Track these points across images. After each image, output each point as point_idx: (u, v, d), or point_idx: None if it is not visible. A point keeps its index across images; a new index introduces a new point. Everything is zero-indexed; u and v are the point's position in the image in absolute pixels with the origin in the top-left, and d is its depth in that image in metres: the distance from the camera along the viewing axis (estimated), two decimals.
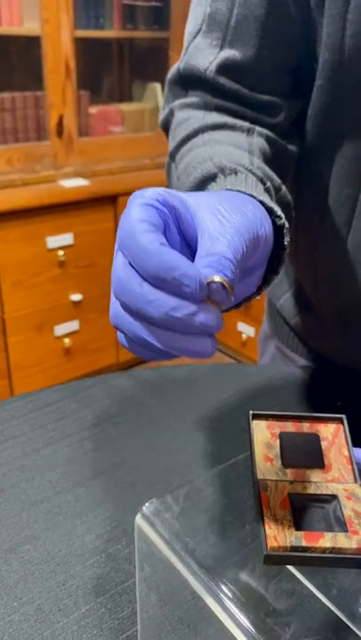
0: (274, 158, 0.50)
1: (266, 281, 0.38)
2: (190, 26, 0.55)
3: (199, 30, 0.54)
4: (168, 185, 0.55)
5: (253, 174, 0.41)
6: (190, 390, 0.68)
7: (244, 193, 0.36)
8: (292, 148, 0.54)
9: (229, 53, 0.52)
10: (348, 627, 0.29)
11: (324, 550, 0.29)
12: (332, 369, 0.69)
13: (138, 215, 0.28)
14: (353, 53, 0.47)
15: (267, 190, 0.41)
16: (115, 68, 2.07)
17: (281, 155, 0.52)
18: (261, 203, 0.35)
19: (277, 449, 0.35)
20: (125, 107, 2.01)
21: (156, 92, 2.01)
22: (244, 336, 2.12)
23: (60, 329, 1.87)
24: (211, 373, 0.72)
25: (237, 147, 0.47)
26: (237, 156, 0.43)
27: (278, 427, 0.37)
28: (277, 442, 0.36)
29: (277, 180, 0.45)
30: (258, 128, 0.51)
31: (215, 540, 0.32)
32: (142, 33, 1.91)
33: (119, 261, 0.29)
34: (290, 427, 0.37)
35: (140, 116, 2.01)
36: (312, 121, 0.54)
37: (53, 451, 0.59)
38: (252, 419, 0.37)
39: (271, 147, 0.51)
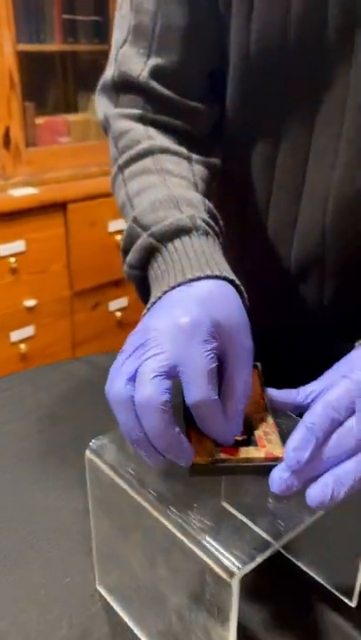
0: (210, 178, 0.58)
1: None
2: (117, 35, 0.61)
3: (125, 40, 0.60)
4: (111, 186, 0.62)
5: (213, 230, 0.49)
6: None
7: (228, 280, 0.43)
8: (216, 161, 0.62)
9: (157, 61, 0.58)
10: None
11: (239, 461, 0.37)
12: (263, 340, 0.77)
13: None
14: (257, 59, 0.55)
15: (220, 243, 0.49)
16: (59, 80, 2.12)
17: (213, 174, 0.60)
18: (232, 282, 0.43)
19: None
20: (71, 117, 2.06)
21: None
22: None
23: (16, 335, 1.90)
24: None
25: (185, 178, 0.54)
26: (195, 201, 0.50)
27: None
28: None
29: (220, 221, 0.52)
30: (194, 156, 0.58)
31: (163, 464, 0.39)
32: (84, 46, 1.97)
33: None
34: None
35: (85, 125, 2.07)
36: (228, 123, 0.61)
37: (12, 428, 0.64)
38: None
39: (206, 169, 0.58)
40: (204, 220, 0.48)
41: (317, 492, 0.34)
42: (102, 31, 1.96)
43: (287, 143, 0.58)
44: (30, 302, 1.90)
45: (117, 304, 2.18)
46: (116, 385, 0.37)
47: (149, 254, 0.48)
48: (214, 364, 0.36)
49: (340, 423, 0.37)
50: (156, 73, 0.59)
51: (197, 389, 0.35)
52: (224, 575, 0.31)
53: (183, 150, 0.58)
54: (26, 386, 0.73)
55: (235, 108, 0.60)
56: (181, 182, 0.54)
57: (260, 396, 0.42)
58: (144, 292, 0.50)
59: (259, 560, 0.31)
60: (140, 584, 0.41)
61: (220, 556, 0.31)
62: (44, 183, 1.90)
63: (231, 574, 0.30)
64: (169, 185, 0.53)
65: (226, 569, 0.31)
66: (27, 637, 0.41)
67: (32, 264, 1.86)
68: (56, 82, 2.11)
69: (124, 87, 0.61)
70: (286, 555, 0.48)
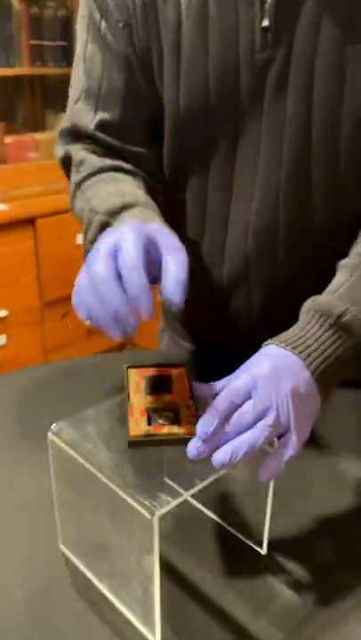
0: (151, 191, 0.70)
1: None
2: (72, 93, 0.76)
3: (79, 98, 0.74)
4: (71, 205, 0.74)
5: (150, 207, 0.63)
6: (102, 373, 0.86)
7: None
8: (159, 185, 0.75)
9: (103, 115, 0.72)
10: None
11: (164, 435, 0.49)
12: (205, 348, 0.89)
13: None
14: (185, 113, 0.68)
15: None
16: (27, 101, 2.23)
17: (154, 190, 0.72)
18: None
19: (143, 385, 0.54)
20: (39, 136, 2.17)
21: None
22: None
23: None
24: (119, 358, 0.90)
25: (134, 185, 0.68)
26: (139, 195, 0.65)
27: (145, 372, 0.56)
28: (143, 381, 0.55)
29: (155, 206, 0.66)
30: (140, 172, 0.73)
31: (102, 443, 0.50)
32: (51, 69, 2.08)
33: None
34: (151, 372, 0.56)
35: (52, 143, 2.18)
36: (166, 164, 0.74)
37: None
38: (127, 369, 0.56)
39: (148, 184, 0.72)
40: (145, 200, 0.62)
41: (220, 457, 0.46)
42: (67, 55, 2.08)
43: (214, 182, 0.71)
44: (2, 313, 1.99)
45: None
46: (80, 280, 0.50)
47: (102, 229, 0.61)
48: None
49: (240, 406, 0.49)
50: (102, 125, 0.73)
51: (127, 255, 0.47)
52: (148, 515, 0.42)
53: (131, 168, 0.72)
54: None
55: (170, 152, 0.73)
56: (130, 184, 0.68)
57: (187, 389, 0.54)
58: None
59: (173, 504, 0.43)
60: (93, 538, 0.52)
61: (147, 503, 0.43)
62: (14, 199, 2.00)
63: (152, 513, 0.42)
64: (118, 185, 0.67)
65: (150, 510, 0.42)
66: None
67: (3, 276, 1.96)
68: (24, 102, 2.21)
69: (78, 135, 0.74)
70: (209, 513, 0.60)
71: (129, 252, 0.47)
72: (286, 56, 0.63)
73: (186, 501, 0.53)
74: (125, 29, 0.69)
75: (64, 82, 2.07)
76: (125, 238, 0.48)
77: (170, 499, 0.44)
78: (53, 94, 2.23)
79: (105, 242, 0.50)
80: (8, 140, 2.05)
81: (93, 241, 0.62)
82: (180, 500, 0.44)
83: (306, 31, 0.61)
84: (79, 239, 2.14)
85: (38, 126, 2.25)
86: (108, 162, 0.72)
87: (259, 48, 0.63)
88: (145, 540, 0.44)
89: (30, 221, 1.96)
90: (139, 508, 0.43)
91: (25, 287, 2.04)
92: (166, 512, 0.43)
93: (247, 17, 0.62)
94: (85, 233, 0.66)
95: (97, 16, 0.70)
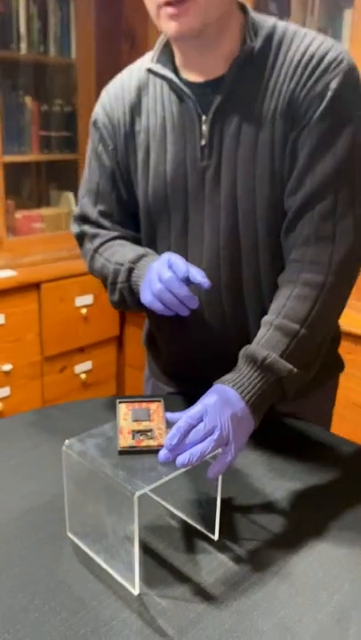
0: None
1: None
2: (81, 191, 1.06)
3: (85, 195, 1.04)
4: (90, 266, 1.04)
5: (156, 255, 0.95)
6: (92, 415, 1.09)
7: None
8: None
9: (100, 207, 1.03)
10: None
11: (143, 446, 0.71)
12: (185, 388, 1.12)
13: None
14: (152, 203, 0.97)
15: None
16: (35, 181, 2.53)
17: None
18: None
19: (130, 414, 0.77)
20: (45, 211, 2.46)
21: (70, 200, 2.49)
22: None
23: None
24: (107, 403, 1.13)
25: (137, 246, 0.99)
26: (146, 249, 0.97)
27: (131, 405, 0.79)
28: (130, 412, 0.78)
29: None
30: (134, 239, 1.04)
31: (101, 453, 0.72)
32: (56, 156, 2.40)
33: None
34: (136, 405, 0.79)
35: (57, 218, 2.47)
36: (142, 237, 1.03)
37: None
38: (118, 403, 0.79)
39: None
40: (151, 252, 0.95)
41: (180, 460, 0.69)
42: (71, 144, 2.40)
43: (175, 249, 0.99)
44: (7, 367, 2.22)
45: (82, 367, 2.51)
46: (154, 287, 0.82)
47: (130, 270, 0.92)
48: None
49: (195, 426, 0.72)
50: (100, 214, 1.03)
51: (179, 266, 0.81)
52: (130, 495, 0.64)
53: (130, 237, 1.03)
54: (9, 423, 1.06)
55: (144, 230, 1.02)
56: (134, 246, 1.00)
57: (161, 416, 0.77)
58: (129, 293, 0.94)
59: (147, 489, 0.65)
60: (93, 522, 0.73)
61: (130, 487, 0.65)
62: (21, 266, 2.26)
63: (133, 494, 0.64)
64: (128, 246, 0.99)
65: (132, 492, 0.64)
66: (14, 576, 0.73)
67: (9, 334, 2.20)
68: (32, 182, 2.52)
69: (86, 219, 1.05)
70: (176, 511, 0.81)
71: (179, 265, 0.81)
72: (217, 164, 0.91)
73: (161, 506, 0.76)
74: (113, 151, 1.00)
75: (67, 165, 2.41)
76: (173, 257, 0.82)
77: (145, 485, 0.66)
78: (58, 175, 2.54)
79: (160, 261, 0.84)
80: (18, 215, 2.33)
81: (125, 281, 0.94)
82: (152, 486, 0.66)
83: (229, 147, 0.89)
84: (78, 301, 2.40)
85: (45, 203, 2.55)
86: (113, 234, 1.03)
87: (199, 159, 0.92)
88: (129, 515, 0.66)
89: (36, 286, 2.22)
90: (125, 490, 0.65)
91: (28, 343, 2.27)
92: (142, 493, 0.65)
93: (191, 141, 0.92)
94: (113, 281, 0.96)
95: (97, 142, 1.01)
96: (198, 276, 0.80)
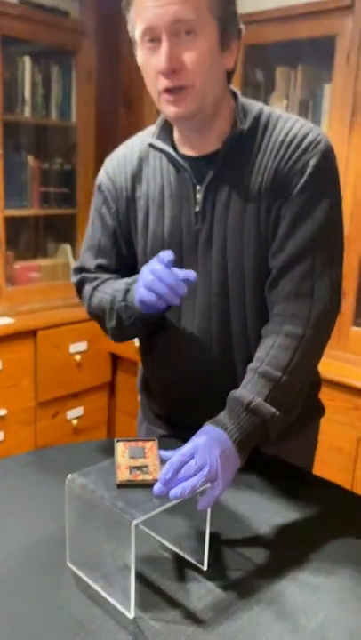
0: None
1: None
2: (83, 245, 1.17)
3: (86, 250, 1.15)
4: (89, 303, 1.13)
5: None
6: (87, 456, 1.16)
7: None
8: None
9: (99, 261, 1.13)
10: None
11: (138, 480, 0.79)
12: (176, 431, 1.20)
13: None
14: (149, 259, 1.05)
15: None
16: (34, 234, 2.66)
17: None
18: None
19: (127, 452, 0.85)
20: (43, 262, 2.58)
21: (67, 251, 2.61)
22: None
23: None
24: (101, 445, 1.20)
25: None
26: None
27: (128, 444, 0.87)
28: (127, 449, 0.86)
29: None
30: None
31: (101, 486, 0.80)
32: (55, 210, 2.53)
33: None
34: (132, 444, 0.87)
35: (54, 268, 2.59)
36: None
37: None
38: (117, 441, 0.87)
39: None
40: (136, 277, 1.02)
41: (173, 492, 0.76)
42: (70, 200, 2.54)
43: None
44: (1, 412, 2.27)
45: (74, 413, 2.57)
46: (146, 279, 0.92)
47: (127, 291, 1.01)
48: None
49: (186, 463, 0.80)
50: (99, 267, 1.13)
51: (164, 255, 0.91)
52: (129, 522, 0.72)
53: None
54: (8, 463, 1.12)
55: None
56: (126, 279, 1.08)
57: (155, 454, 0.85)
58: (125, 312, 1.02)
59: (143, 517, 0.72)
60: (93, 552, 0.80)
61: (128, 516, 0.72)
62: (19, 314, 2.35)
63: (131, 521, 0.71)
64: (122, 279, 1.08)
65: (130, 520, 0.72)
66: (18, 602, 0.79)
67: (5, 379, 2.26)
68: (31, 234, 2.64)
69: (86, 271, 1.14)
70: (168, 544, 0.88)
71: (166, 254, 0.91)
72: (210, 228, 1.02)
73: (155, 539, 0.83)
74: (115, 212, 1.11)
75: (65, 219, 2.54)
76: (162, 253, 0.92)
77: (142, 514, 0.73)
78: (56, 228, 2.67)
79: (151, 262, 0.93)
80: (17, 265, 2.44)
81: (122, 300, 1.02)
82: (148, 515, 0.73)
83: (220, 214, 1.01)
84: (72, 348, 2.48)
85: (42, 254, 2.67)
86: (111, 276, 1.12)
87: (194, 223, 1.03)
88: (127, 543, 0.73)
89: (32, 333, 2.31)
90: (123, 519, 0.72)
91: (23, 389, 2.34)
92: (139, 521, 0.72)
93: (187, 207, 1.03)
94: (111, 306, 1.04)
95: (100, 204, 1.12)
96: (189, 274, 0.91)
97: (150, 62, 0.93)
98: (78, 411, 2.58)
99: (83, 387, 2.56)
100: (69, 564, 0.83)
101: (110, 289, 1.06)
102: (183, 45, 0.90)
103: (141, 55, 0.95)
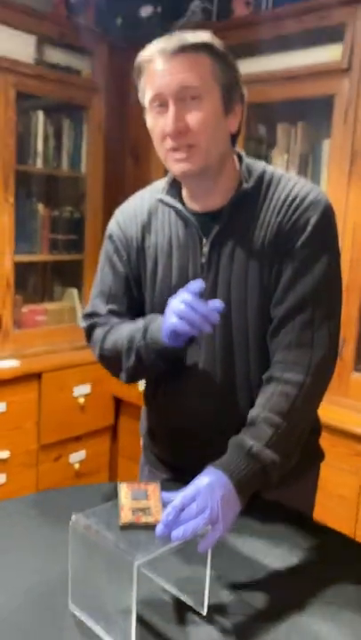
0: None
1: None
2: (93, 291, 1.21)
3: (97, 296, 1.19)
4: (100, 346, 1.15)
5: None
6: (89, 499, 1.17)
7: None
8: None
9: (110, 307, 1.17)
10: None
11: (141, 522, 0.81)
12: (178, 475, 1.21)
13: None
14: (157, 305, 1.11)
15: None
16: (42, 278, 2.73)
17: None
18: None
19: (130, 494, 0.87)
20: (49, 305, 2.63)
21: (74, 295, 2.67)
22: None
23: None
24: (103, 489, 1.21)
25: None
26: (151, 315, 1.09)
27: (131, 486, 0.89)
28: (130, 492, 0.88)
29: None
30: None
31: (105, 527, 0.81)
32: (64, 256, 2.60)
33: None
34: (135, 486, 0.89)
35: (60, 312, 2.64)
36: None
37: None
38: (120, 483, 0.89)
39: None
40: (152, 317, 1.06)
41: (175, 534, 0.78)
42: (78, 246, 2.61)
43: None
44: (4, 454, 2.28)
45: (77, 457, 2.57)
46: (178, 309, 0.93)
47: (146, 330, 1.03)
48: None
49: (188, 505, 0.82)
50: (110, 312, 1.17)
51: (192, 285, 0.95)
52: (131, 562, 0.73)
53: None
54: (11, 505, 1.14)
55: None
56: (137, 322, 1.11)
57: (158, 496, 0.87)
58: (146, 351, 1.04)
59: (146, 558, 0.74)
60: (94, 593, 0.81)
61: (130, 557, 0.74)
62: (25, 357, 2.39)
63: (133, 562, 0.73)
64: (136, 320, 1.11)
65: (132, 560, 0.73)
66: None
67: (9, 421, 2.28)
68: (39, 279, 2.71)
69: (97, 317, 1.18)
70: (166, 586, 0.89)
71: (196, 284, 0.94)
72: (214, 278, 1.07)
73: (155, 582, 0.84)
74: (126, 260, 1.16)
75: (73, 264, 2.60)
76: (188, 286, 0.95)
77: (143, 555, 0.75)
78: (63, 273, 2.74)
79: (179, 294, 0.96)
80: (24, 309, 2.49)
81: (141, 340, 1.04)
82: (151, 556, 0.75)
83: (225, 266, 1.06)
84: (76, 391, 2.50)
85: (48, 297, 2.72)
86: (122, 319, 1.16)
87: (199, 273, 1.08)
88: (129, 585, 0.74)
89: (37, 376, 2.34)
90: (126, 560, 0.74)
91: (26, 431, 2.35)
92: (142, 562, 0.74)
93: (193, 258, 1.08)
94: (129, 346, 1.07)
95: (111, 252, 1.18)
96: (215, 302, 0.94)
97: (158, 125, 1.00)
98: (80, 454, 2.58)
99: (85, 430, 2.57)
100: (71, 607, 0.84)
101: (126, 330, 1.09)
102: (188, 109, 0.98)
103: (150, 119, 1.02)
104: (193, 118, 0.98)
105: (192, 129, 0.98)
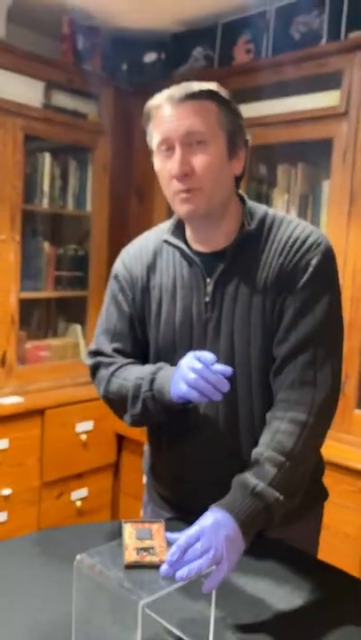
0: None
1: None
2: (98, 329, 1.22)
3: (101, 333, 1.20)
4: (105, 388, 1.16)
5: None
6: (93, 537, 1.17)
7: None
8: None
9: (115, 345, 1.18)
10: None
11: (145, 562, 0.82)
12: (182, 514, 1.21)
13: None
14: (161, 345, 1.13)
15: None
16: (46, 314, 2.75)
17: None
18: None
19: (134, 533, 0.88)
20: (53, 341, 2.65)
21: (77, 331, 2.69)
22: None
23: None
24: (106, 527, 1.21)
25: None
26: (158, 364, 1.10)
27: (135, 525, 0.90)
28: (134, 531, 0.88)
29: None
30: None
31: (109, 567, 0.82)
32: (68, 293, 2.64)
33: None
34: (139, 525, 0.89)
35: (63, 348, 2.66)
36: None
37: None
38: (124, 523, 0.90)
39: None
40: (165, 365, 1.07)
41: (180, 574, 0.78)
42: (82, 283, 2.65)
43: None
44: (6, 491, 2.27)
45: (78, 494, 2.55)
46: (188, 378, 0.94)
47: (153, 380, 1.04)
48: None
49: (193, 545, 0.82)
50: (115, 350, 1.18)
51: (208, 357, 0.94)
52: (136, 602, 0.73)
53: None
54: (15, 543, 1.14)
55: (154, 361, 1.16)
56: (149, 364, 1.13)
57: (162, 536, 0.87)
58: (152, 400, 1.05)
59: (151, 598, 0.74)
60: (98, 638, 0.81)
61: (135, 597, 0.74)
62: (28, 393, 2.40)
63: (138, 602, 0.73)
64: (141, 365, 1.12)
65: (137, 600, 0.73)
66: None
67: (12, 458, 2.27)
68: (44, 315, 2.74)
69: (101, 354, 1.19)
70: (170, 628, 0.88)
71: (207, 355, 0.94)
72: (218, 316, 1.09)
73: (159, 623, 0.84)
74: (131, 300, 1.18)
75: (77, 301, 2.63)
76: (198, 352, 0.95)
77: (148, 595, 0.75)
78: (67, 309, 2.77)
79: (187, 357, 0.97)
80: (28, 345, 2.51)
81: (148, 390, 1.05)
82: (155, 596, 0.75)
83: (228, 305, 1.08)
84: (78, 427, 2.50)
85: (52, 333, 2.75)
86: (127, 360, 1.17)
87: (203, 312, 1.10)
88: (133, 625, 0.74)
89: (40, 412, 2.34)
90: (131, 600, 0.74)
91: (29, 468, 2.34)
92: (147, 601, 0.74)
93: (197, 297, 1.11)
94: (135, 394, 1.07)
95: (117, 291, 1.20)
96: (224, 369, 0.94)
97: (165, 168, 1.04)
98: (82, 492, 2.56)
99: (87, 467, 2.56)
100: None
101: (132, 376, 1.10)
102: (194, 153, 1.02)
103: (158, 161, 1.06)
104: (198, 162, 1.02)
105: (197, 172, 1.02)
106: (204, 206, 1.04)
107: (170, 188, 1.05)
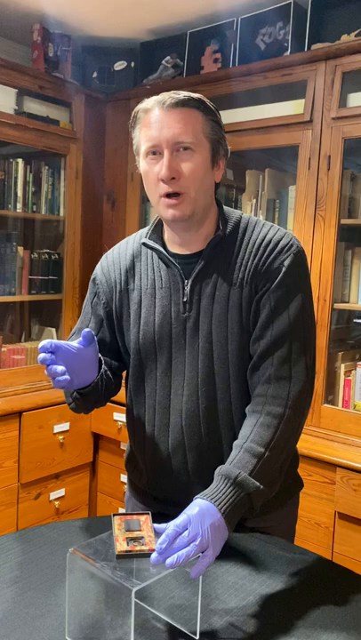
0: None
1: None
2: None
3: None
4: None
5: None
6: (79, 533, 1.22)
7: None
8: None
9: None
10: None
11: (136, 551, 0.87)
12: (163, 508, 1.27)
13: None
14: (142, 344, 1.18)
15: None
16: (21, 318, 2.77)
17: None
18: None
19: (123, 525, 0.93)
20: (28, 345, 2.68)
21: (52, 334, 2.72)
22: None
23: None
24: (89, 523, 1.26)
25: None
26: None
27: (124, 518, 0.95)
28: (123, 523, 0.94)
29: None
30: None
31: (101, 557, 0.87)
32: (43, 296, 2.67)
33: None
34: (128, 517, 0.95)
35: (38, 351, 2.67)
36: (130, 375, 1.24)
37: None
38: (114, 516, 0.95)
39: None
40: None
41: (169, 562, 0.84)
42: (56, 286, 2.68)
43: (160, 384, 1.18)
44: None
45: (56, 494, 2.59)
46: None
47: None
48: None
49: (180, 534, 0.88)
50: None
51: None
52: (129, 589, 0.79)
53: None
54: (2, 541, 1.18)
55: (133, 368, 1.23)
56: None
57: (150, 526, 0.93)
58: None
59: (143, 585, 0.80)
60: (91, 623, 0.86)
61: (128, 585, 0.80)
62: (4, 395, 2.42)
63: (131, 589, 0.79)
64: None
65: (129, 588, 0.79)
66: None
67: None
68: (18, 319, 2.76)
69: None
70: (159, 614, 0.94)
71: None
72: (196, 315, 1.15)
73: (148, 610, 0.90)
74: (105, 304, 1.24)
75: (51, 304, 2.67)
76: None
77: (140, 582, 0.81)
78: (41, 312, 2.80)
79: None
80: (4, 348, 2.54)
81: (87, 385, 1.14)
82: (147, 582, 0.81)
83: (205, 304, 1.14)
84: (55, 429, 2.53)
85: (27, 337, 2.77)
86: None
87: (182, 311, 1.16)
88: (126, 612, 0.80)
89: (17, 414, 2.37)
90: (124, 587, 0.80)
91: (6, 470, 2.36)
92: (139, 588, 0.80)
93: (175, 298, 1.17)
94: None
95: (93, 295, 1.26)
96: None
97: (152, 171, 1.10)
98: (60, 492, 2.60)
99: (65, 467, 2.60)
100: (68, 639, 0.89)
101: None
102: (181, 158, 1.08)
103: (145, 164, 1.12)
104: (185, 167, 1.08)
105: (184, 177, 1.08)
106: (189, 210, 1.10)
107: (156, 190, 1.11)
